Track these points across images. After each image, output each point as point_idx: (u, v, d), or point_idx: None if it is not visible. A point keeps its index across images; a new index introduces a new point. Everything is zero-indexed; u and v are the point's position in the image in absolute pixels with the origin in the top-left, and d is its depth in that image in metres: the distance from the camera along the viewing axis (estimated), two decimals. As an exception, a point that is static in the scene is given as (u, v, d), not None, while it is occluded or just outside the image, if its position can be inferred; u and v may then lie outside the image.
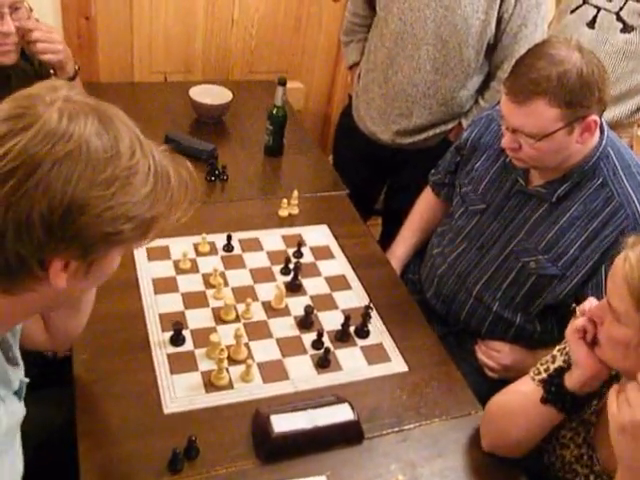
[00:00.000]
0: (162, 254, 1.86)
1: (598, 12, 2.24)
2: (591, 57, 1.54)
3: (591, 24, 2.25)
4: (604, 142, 1.65)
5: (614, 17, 2.20)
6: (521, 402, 1.40)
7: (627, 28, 2.18)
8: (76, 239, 0.85)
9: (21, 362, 1.13)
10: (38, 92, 0.87)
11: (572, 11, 2.33)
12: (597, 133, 1.64)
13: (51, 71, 1.84)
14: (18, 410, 1.08)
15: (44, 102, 0.85)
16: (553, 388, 1.31)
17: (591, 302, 1.28)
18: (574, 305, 1.32)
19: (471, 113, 2.36)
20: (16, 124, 0.82)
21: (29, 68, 1.88)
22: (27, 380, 1.13)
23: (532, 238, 1.75)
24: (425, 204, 2.22)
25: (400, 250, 2.18)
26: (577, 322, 1.27)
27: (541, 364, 1.41)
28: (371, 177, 2.66)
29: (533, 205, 1.76)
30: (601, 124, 1.64)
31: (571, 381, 1.29)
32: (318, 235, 2.06)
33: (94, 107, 0.88)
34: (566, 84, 1.50)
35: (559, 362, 1.37)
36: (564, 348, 1.38)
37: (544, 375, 1.37)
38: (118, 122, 0.89)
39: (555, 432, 1.40)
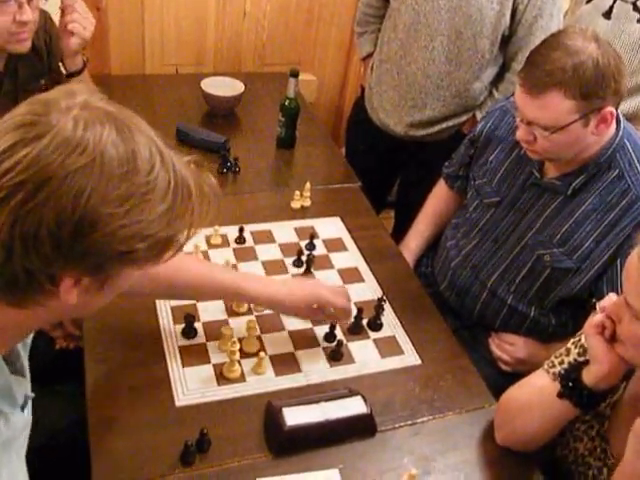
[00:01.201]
0: (174, 246, 1.85)
1: (614, 2, 2.21)
2: (607, 48, 1.51)
3: (607, 14, 2.22)
4: (620, 134, 1.63)
5: (631, 7, 2.17)
6: (536, 396, 1.38)
7: None
8: (87, 256, 0.80)
9: (28, 374, 1.08)
10: (55, 97, 0.82)
11: (588, 1, 2.30)
12: (613, 125, 1.62)
13: (60, 63, 1.84)
14: (19, 420, 1.03)
15: (59, 109, 0.80)
16: (570, 383, 1.29)
17: (611, 298, 1.26)
18: (594, 300, 1.30)
19: (485, 105, 2.34)
20: (28, 132, 0.77)
21: (37, 59, 1.88)
22: (32, 395, 1.08)
23: (547, 231, 1.73)
24: (439, 197, 2.21)
25: (413, 243, 2.17)
26: (596, 318, 1.25)
27: (555, 357, 1.40)
28: (384, 169, 2.65)
29: (548, 198, 1.74)
30: (617, 116, 1.62)
31: (589, 376, 1.26)
32: (331, 227, 2.05)
33: (113, 115, 0.82)
34: (582, 75, 1.48)
35: (573, 355, 1.36)
36: (578, 340, 1.37)
37: (559, 368, 1.36)
38: (137, 132, 0.83)
39: (569, 425, 1.38)
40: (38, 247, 0.77)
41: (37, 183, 0.75)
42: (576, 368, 1.31)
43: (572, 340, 1.39)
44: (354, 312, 1.67)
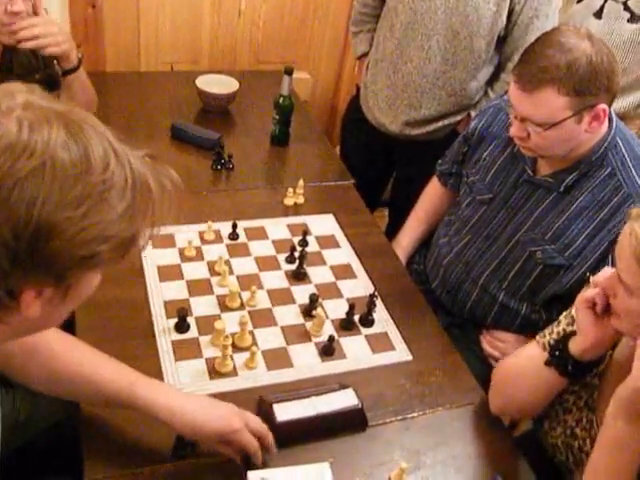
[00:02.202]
0: (167, 242, 1.86)
1: (605, 2, 2.22)
2: (601, 45, 1.52)
3: (598, 14, 2.24)
4: (613, 132, 1.64)
5: (621, 7, 2.19)
6: (526, 365, 1.43)
7: (634, 18, 2.16)
8: (47, 266, 0.75)
9: None
10: None
11: (579, 1, 2.32)
12: (606, 123, 1.63)
13: (54, 61, 1.83)
14: None
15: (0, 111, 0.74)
16: (557, 352, 1.35)
17: (606, 272, 1.29)
18: (588, 274, 1.34)
19: (480, 104, 2.35)
20: None
21: (31, 54, 1.88)
22: None
23: (539, 228, 1.74)
24: (432, 194, 2.21)
25: (406, 240, 2.18)
26: (587, 293, 1.30)
27: (547, 329, 1.44)
28: (378, 168, 2.66)
29: (540, 195, 1.75)
30: (610, 114, 1.63)
31: (574, 347, 1.32)
32: (324, 224, 2.06)
33: (60, 113, 0.77)
34: (575, 72, 1.49)
35: (563, 325, 1.40)
36: (569, 313, 1.40)
37: (548, 338, 1.41)
38: (88, 129, 0.78)
39: (558, 397, 1.43)
40: None
41: None
42: (564, 338, 1.36)
43: (564, 313, 1.43)
44: (346, 308, 1.68)
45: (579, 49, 1.50)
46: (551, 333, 1.41)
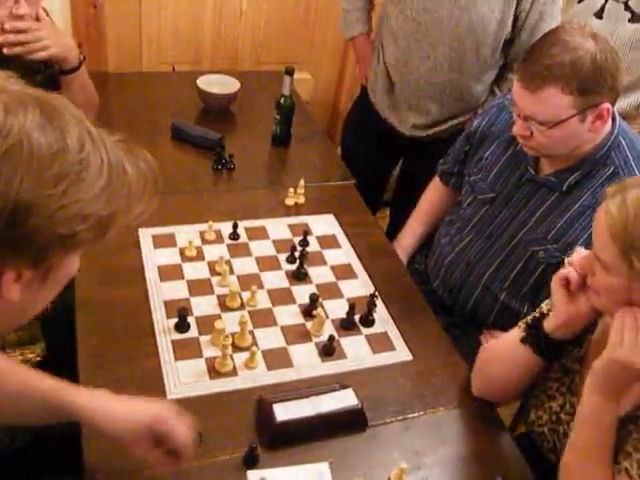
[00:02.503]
0: (168, 241, 1.86)
1: (606, 2, 2.22)
2: (605, 44, 1.52)
3: (599, 14, 2.23)
4: (616, 131, 1.64)
5: (622, 6, 2.19)
6: (505, 344, 1.49)
7: (635, 18, 2.16)
8: (27, 245, 0.76)
9: None
10: None
11: (580, 1, 2.32)
12: (609, 122, 1.62)
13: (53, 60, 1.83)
14: None
15: None
16: (532, 330, 1.40)
17: (580, 253, 1.33)
18: (564, 257, 1.36)
19: (487, 103, 2.34)
20: None
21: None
22: None
23: (541, 227, 1.74)
24: (433, 193, 2.21)
25: (406, 240, 2.18)
26: (561, 272, 1.35)
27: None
28: (380, 168, 2.66)
29: (543, 194, 1.75)
30: (613, 113, 1.62)
31: (548, 324, 1.37)
32: (324, 224, 2.06)
33: (35, 97, 0.78)
34: (579, 71, 1.49)
35: (544, 307, 1.44)
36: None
37: (529, 318, 1.45)
38: (64, 112, 0.79)
39: (542, 385, 1.45)
40: None
41: None
42: (540, 316, 1.41)
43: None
44: (346, 308, 1.68)
45: (583, 47, 1.50)
46: (533, 314, 1.45)
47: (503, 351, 1.49)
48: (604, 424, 1.21)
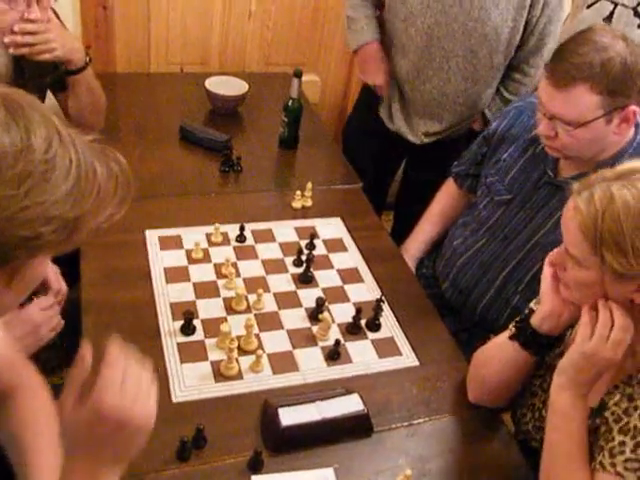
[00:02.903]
0: (174, 244, 1.86)
1: (615, 7, 2.22)
2: (635, 47, 1.52)
3: (608, 20, 2.23)
4: (639, 137, 1.64)
5: (631, 12, 2.18)
6: (497, 345, 1.49)
7: None
8: None
9: None
10: None
11: (589, 6, 2.31)
12: (633, 126, 1.62)
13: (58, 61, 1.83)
14: None
15: None
16: (520, 324, 1.41)
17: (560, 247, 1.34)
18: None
19: (494, 103, 2.34)
20: None
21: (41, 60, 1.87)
22: None
23: (559, 230, 1.72)
24: (447, 196, 2.19)
25: (414, 246, 2.16)
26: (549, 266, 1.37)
27: None
28: (384, 170, 2.65)
29: (561, 197, 1.73)
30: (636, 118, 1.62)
31: (534, 317, 1.38)
32: (331, 228, 2.05)
33: (1, 95, 0.76)
34: (609, 71, 1.49)
35: (533, 307, 1.45)
36: None
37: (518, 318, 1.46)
38: (30, 110, 0.76)
39: (527, 383, 1.47)
40: None
41: None
42: (529, 313, 1.42)
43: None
44: (352, 313, 1.68)
45: (614, 49, 1.50)
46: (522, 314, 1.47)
47: (494, 353, 1.49)
48: (575, 422, 1.23)
